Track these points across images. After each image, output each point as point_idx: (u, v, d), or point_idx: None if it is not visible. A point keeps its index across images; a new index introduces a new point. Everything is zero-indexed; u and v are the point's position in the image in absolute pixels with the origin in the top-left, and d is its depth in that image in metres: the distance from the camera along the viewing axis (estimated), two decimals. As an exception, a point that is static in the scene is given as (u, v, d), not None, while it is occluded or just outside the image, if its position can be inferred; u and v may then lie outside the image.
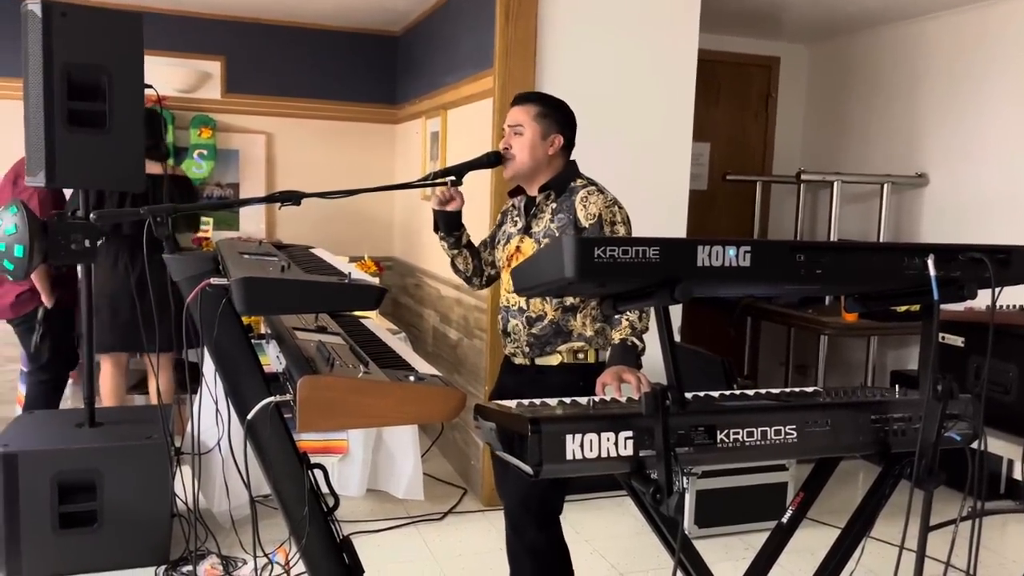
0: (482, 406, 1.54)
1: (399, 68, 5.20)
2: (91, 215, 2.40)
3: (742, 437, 1.43)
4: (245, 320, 1.73)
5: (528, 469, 1.33)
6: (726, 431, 1.42)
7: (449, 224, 2.37)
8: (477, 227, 3.23)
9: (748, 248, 1.34)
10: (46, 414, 3.52)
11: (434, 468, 4.07)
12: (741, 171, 5.29)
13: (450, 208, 2.32)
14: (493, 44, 3.52)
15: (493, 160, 2.26)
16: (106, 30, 2.90)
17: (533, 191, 2.31)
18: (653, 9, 3.73)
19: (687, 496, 3.37)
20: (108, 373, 3.82)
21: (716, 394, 1.63)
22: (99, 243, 2.90)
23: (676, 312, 3.96)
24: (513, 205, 2.41)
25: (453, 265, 2.48)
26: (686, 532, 2.64)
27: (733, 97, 5.41)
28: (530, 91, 2.86)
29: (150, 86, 3.02)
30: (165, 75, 4.60)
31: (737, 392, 1.69)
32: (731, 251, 1.34)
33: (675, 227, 3.84)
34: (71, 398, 4.24)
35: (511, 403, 1.54)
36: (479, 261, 2.49)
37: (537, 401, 1.56)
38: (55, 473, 2.87)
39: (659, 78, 3.77)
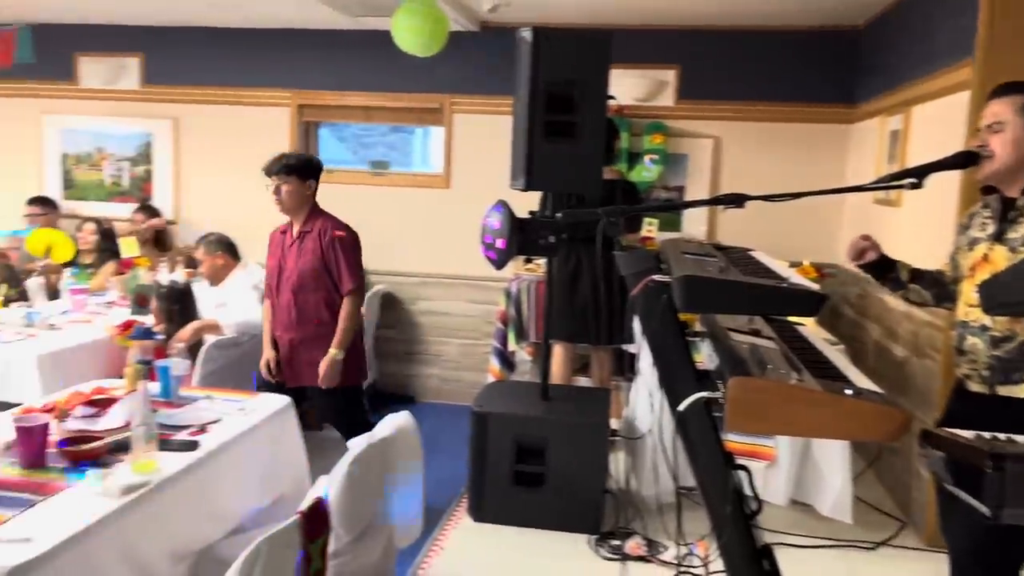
0: (931, 432, 1.41)
1: (857, 64, 4.88)
2: (558, 214, 2.74)
3: None
4: (682, 316, 1.81)
5: (985, 510, 1.19)
6: None
7: (877, 271, 2.22)
8: (939, 240, 2.91)
9: None
10: (510, 384, 4.10)
11: (867, 493, 3.77)
12: None
13: (864, 261, 2.19)
14: (975, 29, 3.11)
15: (964, 161, 2.02)
16: (580, 49, 3.25)
17: (1013, 192, 2.00)
18: None
19: None
20: (559, 356, 4.30)
21: None
22: (561, 238, 3.28)
23: None
24: (985, 205, 2.11)
25: (905, 299, 2.29)
26: None
27: None
28: (1017, 80, 2.20)
29: (612, 97, 3.30)
30: (625, 86, 4.98)
31: None
32: None
33: None
34: (529, 373, 4.86)
35: (968, 433, 1.38)
36: (940, 288, 2.24)
37: (1002, 435, 1.37)
38: (515, 435, 3.34)
39: None
